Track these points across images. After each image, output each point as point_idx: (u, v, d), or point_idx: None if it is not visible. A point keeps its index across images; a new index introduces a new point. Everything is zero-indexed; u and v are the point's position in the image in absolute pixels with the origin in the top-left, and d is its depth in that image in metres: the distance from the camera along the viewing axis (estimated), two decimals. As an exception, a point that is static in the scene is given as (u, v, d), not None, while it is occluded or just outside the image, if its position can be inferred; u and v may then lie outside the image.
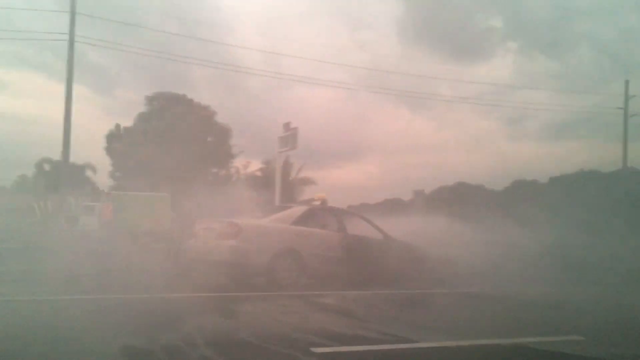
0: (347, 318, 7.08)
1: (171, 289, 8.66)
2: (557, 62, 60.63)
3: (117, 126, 36.81)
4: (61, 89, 22.69)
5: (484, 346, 5.69)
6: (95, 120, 54.32)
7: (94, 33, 40.33)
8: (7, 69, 56.56)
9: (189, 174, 30.77)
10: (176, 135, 33.43)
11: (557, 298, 9.51)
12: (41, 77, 59.25)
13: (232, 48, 72.09)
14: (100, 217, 17.21)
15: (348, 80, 69.66)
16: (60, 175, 22.34)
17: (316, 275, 9.99)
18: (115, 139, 36.11)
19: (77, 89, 48.06)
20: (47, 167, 39.65)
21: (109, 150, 36.15)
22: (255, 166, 37.21)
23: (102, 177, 38.99)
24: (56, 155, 23.12)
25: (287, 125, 21.24)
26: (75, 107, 23.13)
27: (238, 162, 37.77)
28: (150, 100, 35.77)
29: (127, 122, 36.63)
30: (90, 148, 56.65)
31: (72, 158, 28.11)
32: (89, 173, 41.17)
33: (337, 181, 50.01)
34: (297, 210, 10.52)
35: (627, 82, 32.41)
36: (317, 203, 11.86)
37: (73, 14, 23.37)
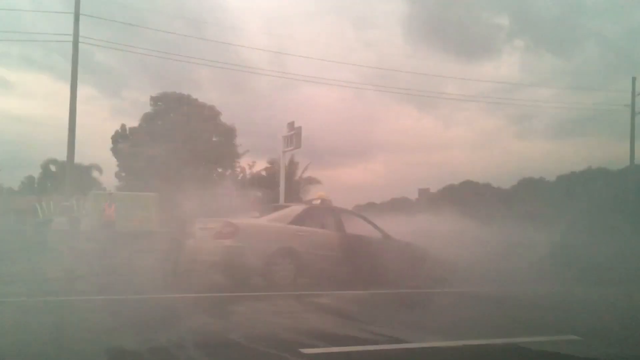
0: (341, 318, 7.02)
1: (167, 289, 8.65)
2: (563, 60, 60.33)
3: (123, 127, 36.93)
4: (68, 90, 22.75)
5: (476, 346, 5.61)
6: (103, 121, 54.74)
7: (101, 34, 40.60)
8: (14, 71, 57.04)
9: (194, 174, 30.82)
10: (181, 135, 33.47)
11: (558, 297, 9.40)
12: (48, 78, 59.69)
13: (239, 48, 72.10)
14: (102, 217, 17.17)
15: (354, 79, 69.58)
16: (65, 176, 22.51)
17: (314, 275, 9.94)
18: (121, 140, 36.20)
19: (84, 90, 48.53)
20: (53, 168, 39.85)
21: (115, 150, 36.25)
22: (260, 166, 37.28)
23: (109, 178, 39.16)
24: (62, 156, 23.21)
25: (291, 125, 21.22)
26: (82, 108, 23.30)
27: (244, 162, 37.81)
28: (155, 100, 35.87)
29: (134, 122, 36.79)
30: (97, 149, 57.10)
31: (79, 159, 28.34)
32: (95, 174, 41.35)
33: (344, 180, 50.10)
34: (295, 209, 10.46)
35: (634, 79, 32.11)
36: (317, 202, 11.79)
37: (77, 15, 23.39)
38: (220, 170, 37.41)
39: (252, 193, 35.62)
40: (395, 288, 9.58)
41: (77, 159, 26.17)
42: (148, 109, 36.20)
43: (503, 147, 56.70)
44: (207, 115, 35.68)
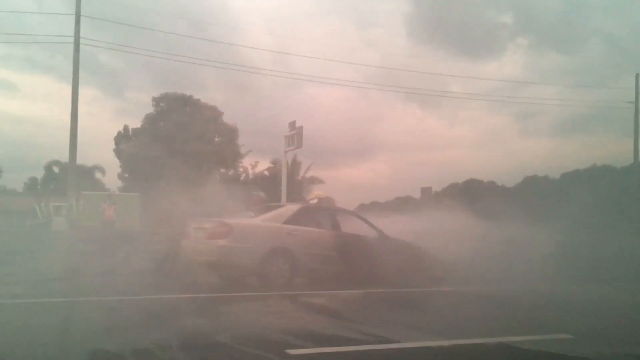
0: (332, 318, 6.95)
1: (159, 290, 8.60)
2: (567, 58, 60.05)
3: (125, 127, 36.99)
4: (71, 91, 22.77)
5: (466, 346, 5.54)
6: (107, 122, 54.77)
7: (104, 36, 40.71)
8: (18, 72, 57.18)
9: (196, 174, 30.83)
10: (183, 136, 33.51)
11: (555, 296, 9.34)
12: (52, 79, 59.78)
13: (242, 48, 72.19)
14: (102, 217, 17.17)
15: (358, 78, 69.45)
16: (67, 177, 22.55)
17: (309, 274, 9.89)
18: (124, 141, 36.25)
19: (88, 91, 48.73)
20: (55, 169, 39.95)
21: (117, 151, 36.30)
22: (263, 166, 37.26)
23: (112, 179, 39.23)
24: (65, 157, 23.24)
25: (292, 124, 21.12)
26: (86, 109, 23.39)
27: (247, 162, 37.81)
28: (157, 101, 35.89)
29: (137, 123, 36.83)
30: (100, 150, 57.26)
31: (82, 160, 28.35)
32: (98, 175, 41.44)
33: (348, 180, 49.99)
34: (289, 209, 10.39)
35: (637, 76, 31.90)
36: (315, 201, 11.74)
37: (78, 16, 23.42)
38: (223, 170, 37.42)
39: (255, 193, 35.66)
40: (390, 287, 9.51)
41: (80, 160, 26.29)
42: (151, 109, 36.28)
43: (507, 146, 56.47)
44: (209, 115, 35.68)
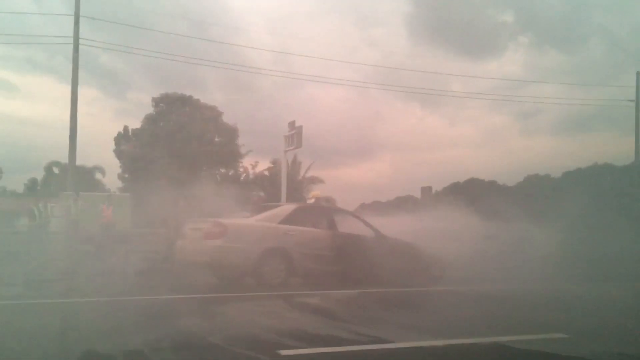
0: (326, 318, 6.92)
1: (155, 291, 8.57)
2: (568, 56, 59.96)
3: (125, 128, 36.91)
4: (71, 92, 22.71)
5: (460, 345, 5.50)
6: (107, 123, 54.78)
7: (105, 36, 40.70)
8: (18, 73, 57.18)
9: (196, 175, 30.80)
10: (183, 136, 33.46)
11: (553, 295, 9.28)
12: (52, 80, 59.78)
13: (242, 48, 72.15)
14: (100, 218, 17.13)
15: (358, 78, 69.36)
16: (67, 177, 22.54)
17: (306, 274, 9.85)
18: (124, 141, 36.18)
19: (89, 92, 48.75)
20: (56, 170, 39.89)
21: (117, 152, 36.25)
22: (264, 166, 37.21)
23: (112, 179, 39.18)
24: (65, 158, 23.18)
25: (291, 124, 21.08)
26: (87, 110, 23.39)
27: (247, 162, 37.73)
28: (156, 102, 35.80)
29: (138, 124, 36.73)
30: (101, 150, 57.30)
31: (83, 161, 28.31)
32: (98, 175, 41.38)
33: (349, 180, 49.95)
34: (285, 209, 10.34)
35: (638, 74, 31.77)
36: (312, 201, 11.70)
37: (77, 17, 23.41)
38: (223, 170, 37.35)
39: (255, 193, 35.67)
40: (387, 287, 9.46)
41: (81, 161, 26.30)
42: (151, 110, 36.22)
43: (508, 144, 56.40)
44: (209, 115, 35.57)
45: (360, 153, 58.57)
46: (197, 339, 5.52)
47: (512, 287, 10.04)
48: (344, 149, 54.05)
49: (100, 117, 53.57)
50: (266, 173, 36.85)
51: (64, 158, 31.28)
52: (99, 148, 57.28)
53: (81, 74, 23.20)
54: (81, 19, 23.38)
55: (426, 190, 29.12)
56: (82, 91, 37.53)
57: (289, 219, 9.92)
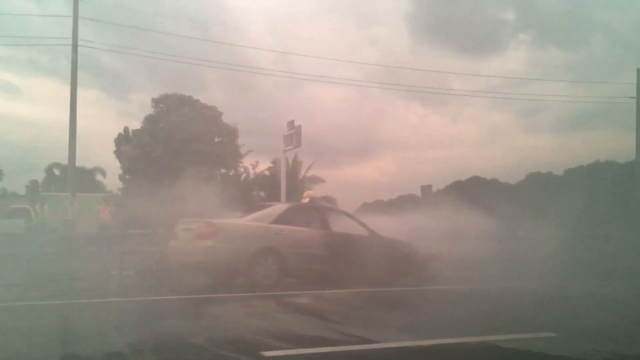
0: (314, 319, 6.83)
1: (146, 292, 8.53)
2: (570, 53, 59.75)
3: (126, 129, 36.90)
4: (73, 94, 22.69)
5: (448, 345, 5.43)
6: (109, 124, 54.90)
7: (107, 38, 40.71)
8: (20, 75, 57.33)
9: (196, 175, 30.72)
10: (183, 136, 33.42)
11: (545, 294, 9.17)
12: (54, 82, 59.89)
13: (243, 48, 72.18)
14: (97, 219, 17.10)
15: (360, 77, 69.27)
16: (67, 179, 22.56)
17: (298, 274, 9.79)
18: (124, 142, 36.16)
19: (91, 93, 48.77)
20: (56, 172, 39.96)
21: (118, 153, 36.25)
22: (264, 165, 37.14)
23: (113, 180, 39.20)
24: (66, 160, 23.18)
25: (291, 124, 21.02)
26: (89, 111, 23.42)
27: (247, 162, 37.66)
28: (156, 102, 35.76)
29: (139, 124, 36.72)
30: (102, 151, 57.36)
31: (84, 162, 28.29)
32: (99, 176, 41.43)
33: (351, 179, 49.91)
34: (277, 208, 10.26)
35: (639, 71, 31.58)
36: (306, 200, 11.63)
37: (76, 18, 23.42)
38: (223, 170, 37.28)
39: (255, 193, 35.63)
40: (379, 286, 9.38)
41: (82, 162, 26.33)
42: (151, 111, 36.18)
43: (510, 142, 56.30)
44: (209, 115, 35.53)
45: (362, 152, 58.64)
46: (180, 340, 5.45)
47: (509, 286, 9.96)
48: (345, 148, 54.02)
49: (102, 118, 53.71)
50: (266, 173, 36.77)
51: (65, 160, 31.24)
52: (100, 149, 57.54)
53: (83, 75, 23.34)
54: (83, 21, 23.46)
55: (426, 188, 29.08)
56: (84, 92, 37.81)
57: (281, 219, 9.84)
